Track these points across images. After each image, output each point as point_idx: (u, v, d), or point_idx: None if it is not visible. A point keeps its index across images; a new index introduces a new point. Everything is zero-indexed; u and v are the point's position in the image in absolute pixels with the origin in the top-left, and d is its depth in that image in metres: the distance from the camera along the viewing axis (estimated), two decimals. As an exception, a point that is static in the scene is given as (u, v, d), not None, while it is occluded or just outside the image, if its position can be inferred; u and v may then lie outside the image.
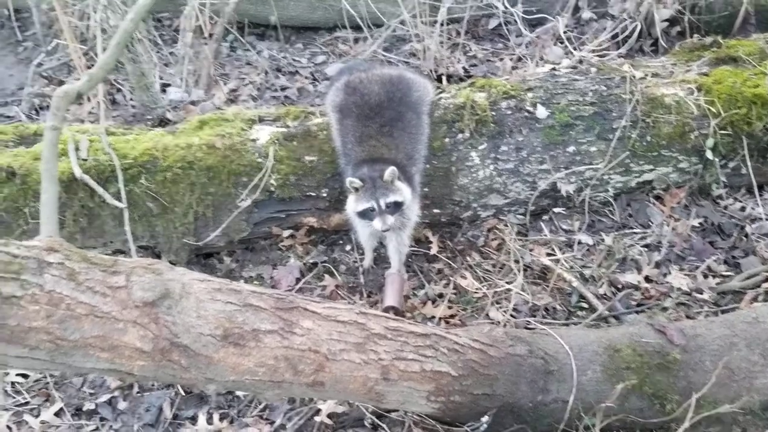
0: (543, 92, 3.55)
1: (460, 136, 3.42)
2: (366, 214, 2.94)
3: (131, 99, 4.52)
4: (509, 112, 3.48)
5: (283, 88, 4.73)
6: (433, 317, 3.07)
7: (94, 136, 3.37)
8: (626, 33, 4.82)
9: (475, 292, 3.21)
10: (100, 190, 3.18)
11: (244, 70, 4.92)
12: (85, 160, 3.26)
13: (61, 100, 2.13)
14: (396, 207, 2.91)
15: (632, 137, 3.49)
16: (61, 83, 4.56)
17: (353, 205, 2.98)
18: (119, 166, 3.22)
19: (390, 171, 2.83)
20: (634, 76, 3.61)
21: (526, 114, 3.48)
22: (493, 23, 5.23)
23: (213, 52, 4.31)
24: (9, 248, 1.79)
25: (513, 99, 3.51)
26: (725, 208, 3.64)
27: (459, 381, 2.35)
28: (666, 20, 4.86)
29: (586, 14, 5.02)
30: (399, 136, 3.05)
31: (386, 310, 2.91)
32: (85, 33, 4.38)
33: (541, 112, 3.47)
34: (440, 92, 3.63)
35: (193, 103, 4.26)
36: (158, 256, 3.45)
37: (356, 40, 5.18)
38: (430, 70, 4.62)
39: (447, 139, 3.41)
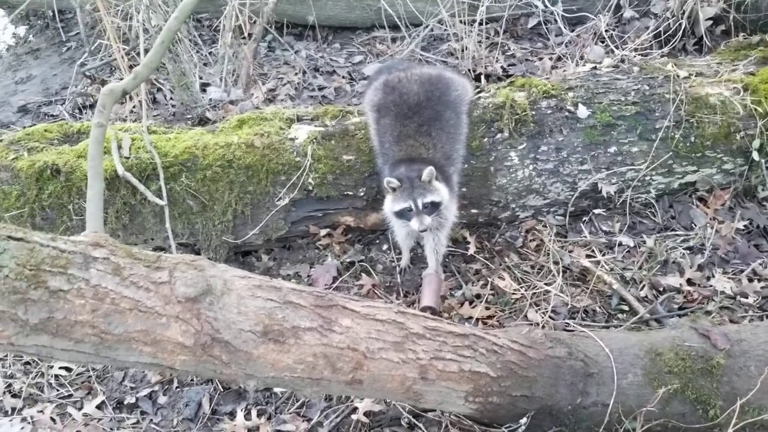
0: (584, 92, 3.50)
1: (499, 135, 3.39)
2: (403, 214, 2.94)
3: (171, 98, 4.60)
4: (549, 111, 3.43)
5: (321, 88, 4.75)
6: (471, 318, 3.05)
7: (136, 135, 3.44)
8: (669, 32, 4.70)
9: (513, 293, 3.18)
10: (141, 187, 3.24)
11: (282, 69, 4.95)
12: (128, 158, 3.33)
13: (107, 97, 2.17)
14: (433, 207, 2.90)
15: (675, 138, 3.42)
16: (103, 83, 4.66)
17: (390, 204, 2.98)
18: (160, 164, 3.28)
19: (428, 171, 2.82)
20: (677, 75, 3.53)
21: (567, 114, 3.43)
22: (532, 22, 5.18)
23: (252, 52, 4.35)
24: (56, 243, 1.83)
25: (553, 98, 3.47)
26: (772, 210, 3.54)
27: (497, 382, 2.33)
28: (710, 18, 4.74)
29: (628, 13, 4.93)
30: (437, 135, 3.04)
31: (423, 310, 2.90)
32: (128, 33, 4.46)
33: (582, 111, 3.42)
34: (479, 91, 3.60)
35: (232, 102, 4.31)
36: (198, 254, 3.49)
37: (394, 40, 5.18)
38: (469, 70, 4.59)
39: (486, 139, 3.38)
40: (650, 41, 4.85)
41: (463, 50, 4.76)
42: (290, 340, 2.00)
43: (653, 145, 3.41)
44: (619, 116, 3.44)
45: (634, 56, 4.12)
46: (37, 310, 1.71)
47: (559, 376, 2.45)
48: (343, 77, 4.90)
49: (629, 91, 3.51)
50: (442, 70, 3.50)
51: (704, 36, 4.64)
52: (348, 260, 3.42)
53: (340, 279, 3.34)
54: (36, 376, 2.98)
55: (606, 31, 4.86)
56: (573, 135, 3.41)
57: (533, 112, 3.42)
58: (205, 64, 4.85)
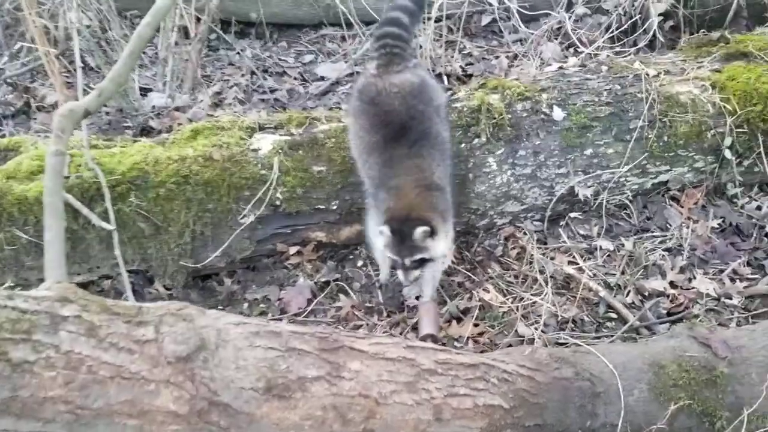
0: (557, 93, 3.39)
1: (476, 141, 3.22)
2: (392, 262, 2.79)
3: (106, 105, 4.16)
4: (525, 114, 3.30)
5: (272, 90, 4.44)
6: (461, 337, 2.88)
7: (74, 150, 3.05)
8: (622, 28, 4.68)
9: (500, 306, 3.03)
10: (85, 210, 2.86)
11: (227, 71, 4.61)
12: (67, 177, 2.93)
13: (66, 119, 1.85)
14: (422, 263, 2.70)
15: (650, 138, 3.36)
16: (26, 90, 4.18)
17: (378, 242, 2.77)
18: (105, 183, 2.91)
19: (421, 232, 2.57)
20: (647, 74, 3.48)
21: (543, 116, 3.31)
22: (485, 20, 5.04)
23: (197, 52, 3.99)
24: (15, 302, 1.53)
25: (528, 100, 3.33)
26: (741, 207, 3.54)
27: (511, 414, 2.17)
28: (661, 14, 4.76)
29: (580, 9, 4.86)
30: (430, 155, 2.78)
31: (424, 338, 2.72)
32: (57, 34, 4.01)
33: (558, 113, 3.31)
34: (452, 94, 3.42)
35: (177, 109, 3.94)
36: (151, 281, 3.17)
37: (344, 38, 4.92)
38: (427, 69, 4.40)
39: (463, 145, 3.22)
40: (602, 36, 4.84)
41: (419, 48, 4.56)
42: (296, 394, 1.76)
43: (628, 146, 3.34)
44: (594, 117, 3.34)
45: (593, 53, 4.04)
46: (-1, 390, 1.40)
47: (568, 399, 2.31)
48: (295, 78, 4.61)
49: (601, 92, 3.42)
50: (424, 75, 3.20)
51: (657, 32, 4.62)
52: (322, 280, 3.17)
53: (315, 301, 3.10)
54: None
55: (558, 27, 4.80)
56: (550, 138, 3.29)
57: (509, 116, 3.28)
58: (141, 66, 4.43)
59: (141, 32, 2.07)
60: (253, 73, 4.49)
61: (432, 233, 2.64)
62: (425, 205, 2.69)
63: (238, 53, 4.67)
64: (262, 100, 4.30)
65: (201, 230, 3.08)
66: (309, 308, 3.07)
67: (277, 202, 3.10)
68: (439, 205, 2.74)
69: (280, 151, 3.12)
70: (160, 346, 1.59)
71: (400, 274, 2.74)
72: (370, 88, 2.92)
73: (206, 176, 3.05)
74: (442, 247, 2.73)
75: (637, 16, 4.69)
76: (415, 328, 2.92)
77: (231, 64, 4.64)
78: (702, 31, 3.99)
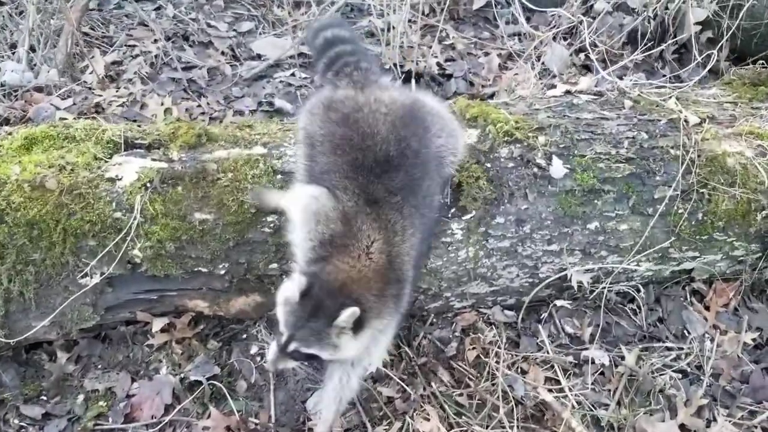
0: (560, 136, 2.41)
1: (437, 198, 2.25)
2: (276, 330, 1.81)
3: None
4: (511, 164, 2.33)
5: (189, 67, 3.38)
6: (377, 500, 1.96)
7: None
8: (647, 34, 3.70)
9: (441, 446, 2.11)
10: None
11: (136, 33, 3.51)
12: None
13: None
14: (309, 359, 1.83)
15: (681, 213, 2.41)
16: None
17: (281, 295, 1.80)
18: None
19: (347, 316, 1.67)
20: (686, 121, 2.51)
21: (536, 170, 2.33)
22: (479, 2, 3.98)
23: (80, 11, 2.90)
24: None
25: (518, 144, 2.35)
26: (789, 316, 2.63)
27: None
28: (699, 23, 3.76)
29: (600, 4, 3.83)
30: (410, 215, 1.87)
31: None
32: None
33: (557, 169, 2.34)
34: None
35: (39, 89, 2.86)
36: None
37: (298, 5, 3.85)
38: (393, 64, 3.38)
39: (416, 204, 2.24)
40: (623, 41, 3.87)
41: (388, 30, 3.52)
42: None
43: (649, 223, 2.39)
44: (607, 178, 2.38)
45: (614, 81, 3.04)
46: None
47: None
48: (223, 53, 3.53)
49: (621, 140, 2.45)
50: (417, 95, 2.24)
51: (695, 44, 3.62)
52: (192, 378, 2.21)
53: (178, 408, 2.15)
54: None
55: (571, 26, 3.78)
56: (542, 202, 2.33)
57: (489, 165, 2.31)
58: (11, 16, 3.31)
59: None
60: (169, 38, 3.41)
61: (359, 325, 1.74)
62: (375, 285, 1.79)
63: (155, 10, 3.56)
64: (173, 79, 3.23)
65: (20, 290, 2.10)
66: (167, 418, 2.12)
67: (137, 260, 2.12)
68: (391, 292, 1.84)
69: (148, 184, 2.12)
70: None
71: (270, 349, 1.83)
72: (345, 102, 1.98)
73: (32, 213, 2.06)
74: (355, 350, 1.82)
75: (668, 20, 3.71)
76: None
77: (143, 24, 3.53)
78: (760, 63, 3.01)
